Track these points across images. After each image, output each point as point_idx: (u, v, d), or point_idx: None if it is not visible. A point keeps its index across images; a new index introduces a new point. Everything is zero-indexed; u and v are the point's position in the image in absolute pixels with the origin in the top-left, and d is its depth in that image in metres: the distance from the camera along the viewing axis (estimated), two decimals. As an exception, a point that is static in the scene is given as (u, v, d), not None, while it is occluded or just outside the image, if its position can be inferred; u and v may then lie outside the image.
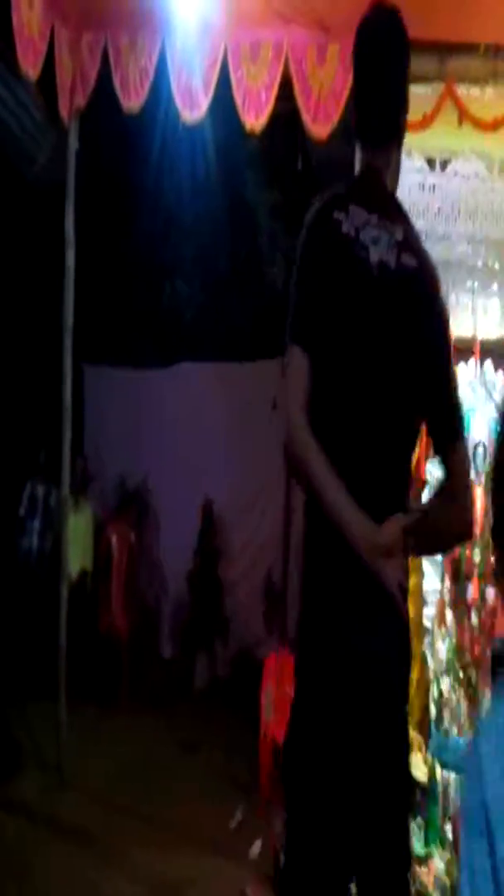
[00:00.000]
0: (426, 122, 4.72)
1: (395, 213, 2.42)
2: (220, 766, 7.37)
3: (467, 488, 2.41)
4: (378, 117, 2.48)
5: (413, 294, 2.34)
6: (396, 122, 2.50)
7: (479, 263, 4.68)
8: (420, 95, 4.75)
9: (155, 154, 8.84)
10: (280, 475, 9.89)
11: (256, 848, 5.80)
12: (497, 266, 4.66)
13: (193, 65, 5.62)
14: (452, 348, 2.51)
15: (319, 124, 5.46)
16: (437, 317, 2.40)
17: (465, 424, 6.64)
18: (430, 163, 4.83)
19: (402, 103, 2.52)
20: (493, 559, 6.39)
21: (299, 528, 9.71)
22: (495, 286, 4.68)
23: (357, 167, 2.50)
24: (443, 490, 2.48)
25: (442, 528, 2.42)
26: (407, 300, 2.34)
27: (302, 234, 2.41)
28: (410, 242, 2.37)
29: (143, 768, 7.11)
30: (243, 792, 6.70)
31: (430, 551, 3.17)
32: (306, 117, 5.45)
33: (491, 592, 6.51)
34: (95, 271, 9.78)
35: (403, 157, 4.40)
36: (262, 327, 9.65)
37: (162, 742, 7.76)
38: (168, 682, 9.39)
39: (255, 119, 5.59)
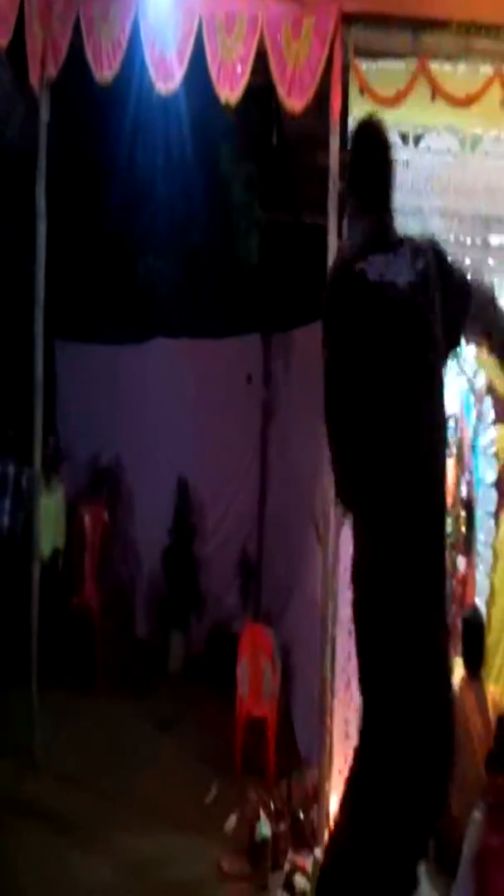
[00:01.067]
0: (399, 97, 4.89)
1: (413, 248, 2.83)
2: (195, 743, 7.48)
3: None
4: (378, 193, 2.96)
5: (431, 288, 2.79)
6: (390, 197, 2.99)
7: (452, 238, 4.84)
8: (393, 71, 4.93)
9: (128, 126, 8.83)
10: (254, 451, 10.07)
11: (231, 822, 5.99)
12: (469, 241, 4.83)
13: (167, 36, 5.70)
14: None
15: (294, 98, 5.55)
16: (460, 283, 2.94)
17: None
18: (404, 137, 4.98)
19: (391, 186, 3.00)
20: (463, 529, 6.62)
21: (274, 503, 9.92)
22: (468, 261, 4.85)
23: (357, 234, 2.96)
24: None
25: None
26: (428, 298, 2.77)
27: (328, 297, 2.82)
28: (416, 252, 2.82)
29: (118, 749, 7.20)
30: (218, 768, 6.88)
31: None
32: (281, 91, 5.54)
33: (462, 561, 6.72)
34: (67, 245, 9.84)
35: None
36: (236, 302, 9.74)
37: (136, 722, 7.85)
38: (142, 661, 9.45)
39: (230, 92, 5.69)
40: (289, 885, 5.34)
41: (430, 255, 2.84)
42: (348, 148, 3.64)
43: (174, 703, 8.45)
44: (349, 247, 2.97)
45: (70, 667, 8.50)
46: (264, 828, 5.60)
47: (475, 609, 6.26)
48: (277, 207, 8.45)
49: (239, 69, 5.65)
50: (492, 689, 5.85)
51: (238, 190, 8.56)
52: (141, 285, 10.32)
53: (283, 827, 5.71)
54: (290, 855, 5.53)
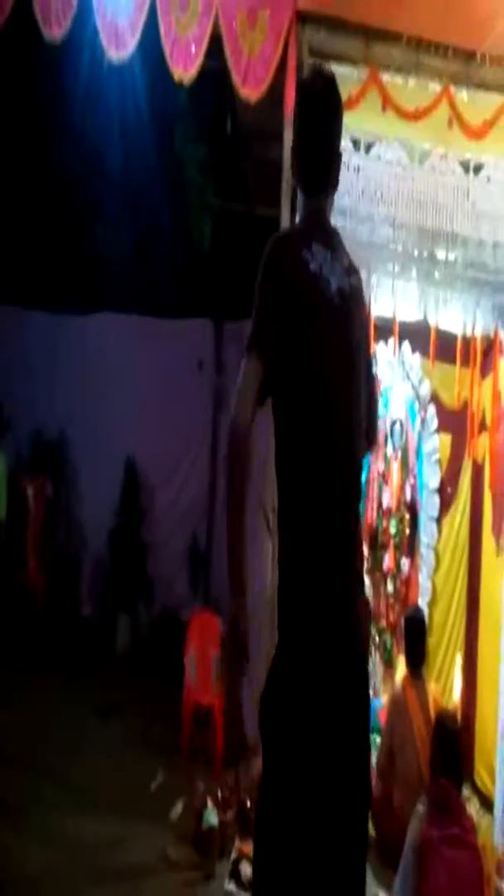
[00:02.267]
0: (351, 103, 5.09)
1: (339, 245, 2.96)
2: (140, 728, 7.66)
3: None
4: (318, 170, 2.96)
5: (359, 310, 2.94)
6: (333, 173, 2.99)
7: (399, 248, 5.09)
8: (346, 76, 5.12)
9: (81, 91, 8.84)
10: (205, 438, 10.22)
11: (177, 810, 6.12)
12: (416, 253, 5.09)
13: (119, 3, 5.76)
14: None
15: (249, 87, 5.68)
16: (368, 328, 3.07)
17: (384, 403, 7.17)
18: (356, 144, 5.18)
19: (336, 158, 3.00)
20: (407, 531, 6.99)
21: (223, 492, 10.06)
22: (414, 272, 5.12)
23: (301, 211, 3.01)
24: None
25: None
26: (357, 313, 2.92)
27: (265, 268, 2.83)
28: (352, 266, 2.96)
29: (60, 731, 7.32)
30: (163, 754, 7.04)
31: None
32: (236, 78, 5.67)
33: (406, 562, 7.10)
34: (12, 208, 9.84)
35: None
36: (188, 285, 9.88)
37: (81, 704, 7.97)
38: (88, 642, 9.58)
39: (183, 70, 5.79)
40: (236, 873, 5.36)
41: (361, 284, 3.01)
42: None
43: (119, 686, 8.61)
44: (296, 232, 3.06)
45: (10, 644, 8.62)
46: (211, 816, 5.70)
47: (417, 608, 6.63)
48: (231, 195, 8.59)
49: (193, 49, 5.75)
50: (433, 688, 6.23)
51: (192, 171, 8.67)
52: (89, 256, 10.32)
53: (230, 815, 5.81)
54: (237, 843, 5.58)
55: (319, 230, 2.93)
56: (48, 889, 4.97)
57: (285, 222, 5.22)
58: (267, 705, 2.79)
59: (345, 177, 4.67)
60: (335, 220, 3.05)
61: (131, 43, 5.79)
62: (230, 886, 5.34)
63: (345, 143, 5.13)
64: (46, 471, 10.07)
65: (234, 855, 5.53)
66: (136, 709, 8.08)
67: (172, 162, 8.88)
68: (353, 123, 5.10)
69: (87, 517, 10.53)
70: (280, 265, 2.82)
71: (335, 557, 2.76)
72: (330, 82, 2.96)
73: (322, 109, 2.94)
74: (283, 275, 2.80)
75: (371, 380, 3.01)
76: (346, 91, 5.11)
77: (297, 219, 3.09)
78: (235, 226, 8.88)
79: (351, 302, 2.88)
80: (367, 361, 2.98)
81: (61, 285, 10.51)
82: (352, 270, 2.94)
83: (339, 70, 5.17)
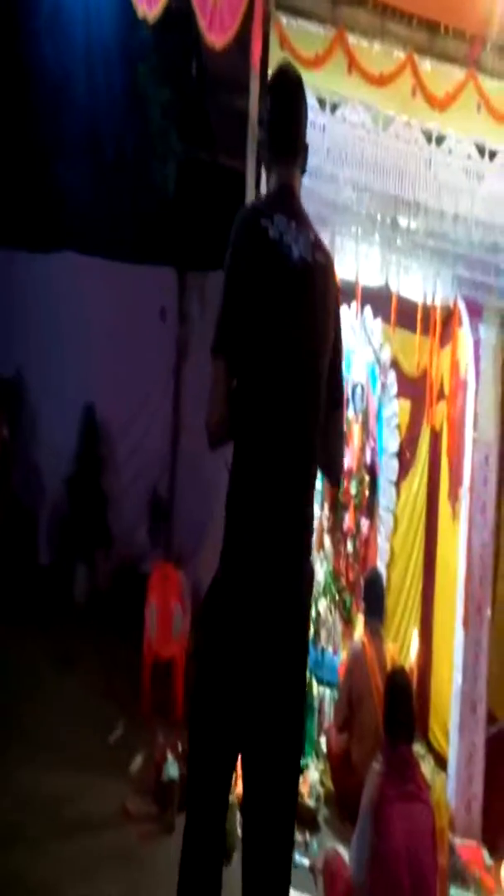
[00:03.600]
0: (318, 61, 5.23)
1: (306, 221, 3.18)
2: (99, 679, 7.84)
3: (340, 449, 3.34)
4: (287, 139, 3.23)
5: (325, 284, 3.13)
6: (299, 145, 3.26)
7: (363, 212, 5.26)
8: (314, 34, 5.25)
9: (42, 21, 8.90)
10: (167, 388, 10.40)
11: (137, 763, 6.34)
12: (379, 218, 5.26)
13: None
14: None
15: (215, 33, 5.71)
16: (337, 303, 3.25)
17: (346, 366, 7.41)
18: (321, 103, 5.31)
19: (303, 136, 3.28)
20: (367, 493, 7.25)
21: (187, 445, 10.25)
22: (377, 236, 5.29)
23: (270, 185, 3.26)
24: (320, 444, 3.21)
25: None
26: (321, 288, 3.12)
27: (231, 243, 3.08)
28: (320, 243, 3.18)
29: (17, 681, 7.49)
30: (123, 706, 7.24)
31: None
32: (202, 22, 5.70)
33: (366, 523, 7.38)
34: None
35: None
36: (151, 230, 9.92)
37: (38, 654, 8.15)
38: (46, 591, 9.78)
39: (147, 7, 5.88)
40: None
41: (331, 262, 3.24)
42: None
43: (78, 637, 8.80)
44: (259, 204, 3.32)
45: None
46: (172, 768, 5.84)
47: (375, 570, 6.92)
48: (196, 142, 8.66)
49: None
50: (391, 646, 6.55)
51: (156, 112, 8.70)
52: (50, 193, 10.21)
53: None
54: None
55: (284, 203, 3.14)
56: (4, 842, 5.11)
57: (251, 175, 5.29)
58: (205, 617, 3.09)
59: (310, 135, 4.82)
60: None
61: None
62: (190, 840, 5.50)
63: (311, 102, 5.28)
64: (2, 410, 10.08)
65: (194, 808, 5.73)
66: (94, 660, 8.25)
67: (136, 100, 8.90)
68: (320, 82, 5.25)
69: (45, 463, 10.66)
70: (240, 238, 3.06)
71: (282, 512, 3.00)
72: (298, 76, 3.32)
73: (292, 95, 3.26)
74: (242, 247, 3.04)
75: (338, 344, 3.22)
76: (313, 49, 5.31)
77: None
78: (200, 174, 8.97)
79: (315, 272, 3.09)
80: (336, 328, 3.20)
81: (20, 221, 10.49)
82: (318, 246, 3.15)
83: (308, 27, 5.32)
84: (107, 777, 6.16)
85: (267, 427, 3.00)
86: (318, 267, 3.11)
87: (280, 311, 3.02)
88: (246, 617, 2.97)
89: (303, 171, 3.27)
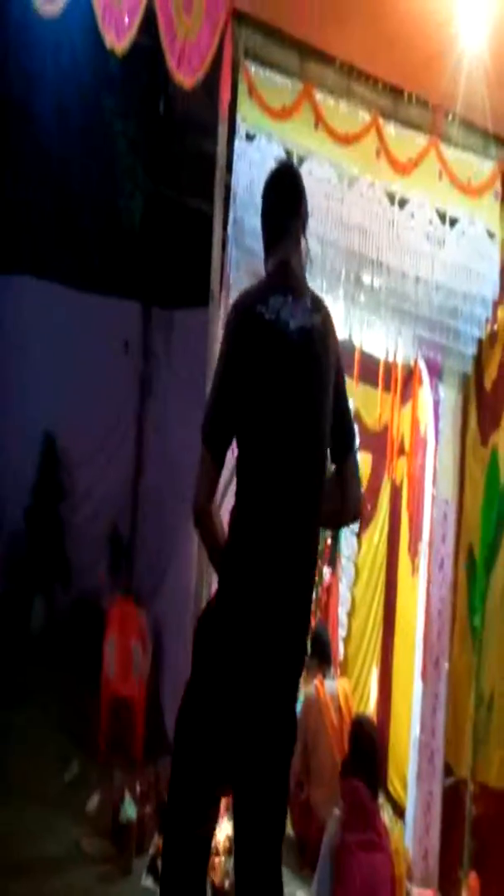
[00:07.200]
0: (285, 113, 5.50)
1: (303, 287, 3.38)
2: (54, 716, 7.93)
3: (357, 489, 3.46)
4: (285, 227, 3.45)
5: (325, 340, 3.27)
6: (299, 229, 3.48)
7: (328, 266, 5.51)
8: (281, 86, 5.51)
9: (10, 45, 8.97)
10: (131, 425, 10.58)
11: (94, 802, 6.46)
12: (343, 273, 5.52)
13: None
14: None
15: (183, 72, 5.87)
16: (337, 345, 3.41)
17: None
18: (288, 154, 5.56)
19: (304, 222, 3.52)
20: (329, 542, 7.52)
21: (149, 481, 10.44)
22: (341, 292, 5.55)
23: (268, 267, 3.43)
24: (337, 490, 3.41)
25: (332, 512, 3.39)
26: (321, 348, 3.25)
27: (226, 332, 3.29)
28: (317, 302, 3.33)
29: None
30: (79, 743, 7.35)
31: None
32: (170, 60, 5.88)
33: (328, 571, 7.61)
34: None
35: (264, 141, 5.21)
36: (115, 262, 10.10)
37: None
38: (1, 621, 9.82)
39: (115, 39, 6.00)
40: (153, 868, 5.57)
41: (329, 316, 3.40)
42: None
43: (33, 670, 8.86)
44: (254, 289, 3.41)
45: None
46: (129, 809, 5.98)
47: (317, 625, 7.23)
48: (162, 180, 8.87)
49: (126, 20, 5.97)
50: (343, 682, 6.79)
51: (122, 145, 8.88)
52: (10, 217, 10.31)
53: (149, 809, 6.08)
54: (156, 838, 5.77)
55: (281, 281, 3.32)
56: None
57: (218, 218, 5.48)
58: (200, 633, 3.23)
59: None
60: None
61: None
62: (147, 882, 5.57)
63: (279, 152, 5.59)
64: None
65: (152, 850, 5.77)
66: (49, 695, 8.30)
67: (101, 129, 9.05)
68: (287, 135, 5.54)
69: (2, 490, 10.61)
70: (235, 327, 3.24)
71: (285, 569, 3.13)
72: (296, 172, 3.62)
73: (290, 190, 3.51)
74: (238, 335, 3.22)
75: (343, 400, 3.41)
76: (280, 101, 5.58)
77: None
78: (167, 210, 9.15)
79: (314, 335, 3.23)
80: (339, 386, 3.36)
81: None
82: (316, 306, 3.31)
83: (276, 79, 5.58)
84: (62, 816, 6.22)
85: (272, 492, 3.14)
86: (315, 329, 3.23)
87: (282, 385, 3.18)
88: (244, 652, 3.07)
89: (297, 244, 3.47)
